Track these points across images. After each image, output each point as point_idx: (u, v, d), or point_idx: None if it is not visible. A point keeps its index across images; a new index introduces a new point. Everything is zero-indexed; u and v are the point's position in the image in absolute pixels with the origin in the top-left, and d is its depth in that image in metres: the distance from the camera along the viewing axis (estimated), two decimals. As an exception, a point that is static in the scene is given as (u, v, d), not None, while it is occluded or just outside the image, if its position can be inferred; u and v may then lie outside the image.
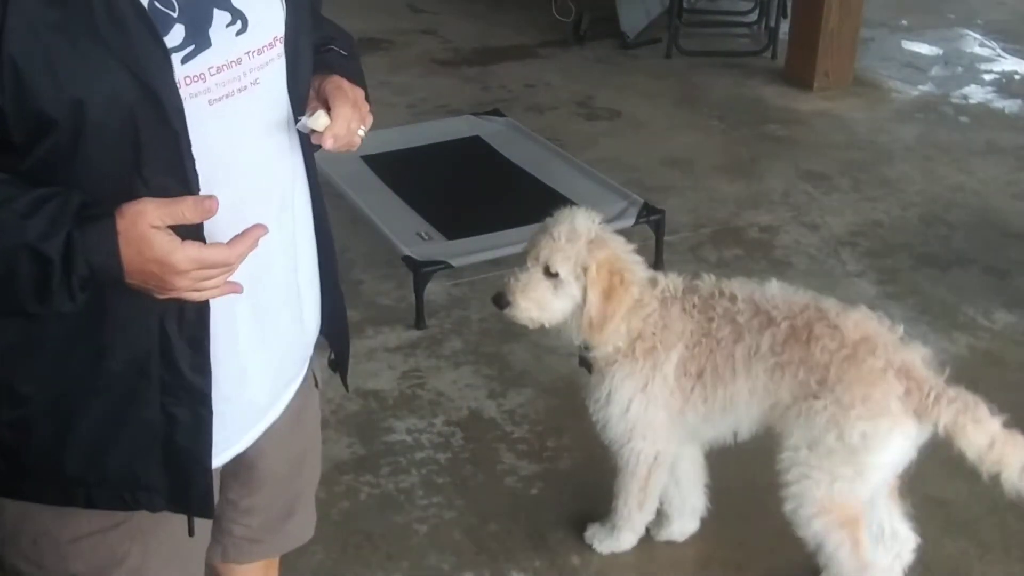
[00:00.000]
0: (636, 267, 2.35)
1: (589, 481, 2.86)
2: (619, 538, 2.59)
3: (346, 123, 1.38)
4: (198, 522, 1.50)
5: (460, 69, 5.79)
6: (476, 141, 4.47)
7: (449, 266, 3.55)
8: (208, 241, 1.26)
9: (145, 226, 1.18)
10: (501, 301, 2.29)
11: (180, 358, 1.32)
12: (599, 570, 2.61)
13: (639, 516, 2.54)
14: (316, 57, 1.45)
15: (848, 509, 2.28)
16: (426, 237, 3.68)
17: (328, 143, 1.37)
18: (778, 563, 2.62)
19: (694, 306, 2.34)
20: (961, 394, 2.20)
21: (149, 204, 1.18)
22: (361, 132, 1.42)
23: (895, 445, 2.22)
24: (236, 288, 1.28)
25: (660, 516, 2.62)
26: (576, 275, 2.27)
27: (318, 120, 1.36)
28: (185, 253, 1.20)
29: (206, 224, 1.25)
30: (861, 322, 2.28)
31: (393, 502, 2.80)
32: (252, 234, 1.25)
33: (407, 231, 3.69)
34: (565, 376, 3.28)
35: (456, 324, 3.57)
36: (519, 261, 2.33)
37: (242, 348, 1.42)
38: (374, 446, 3.00)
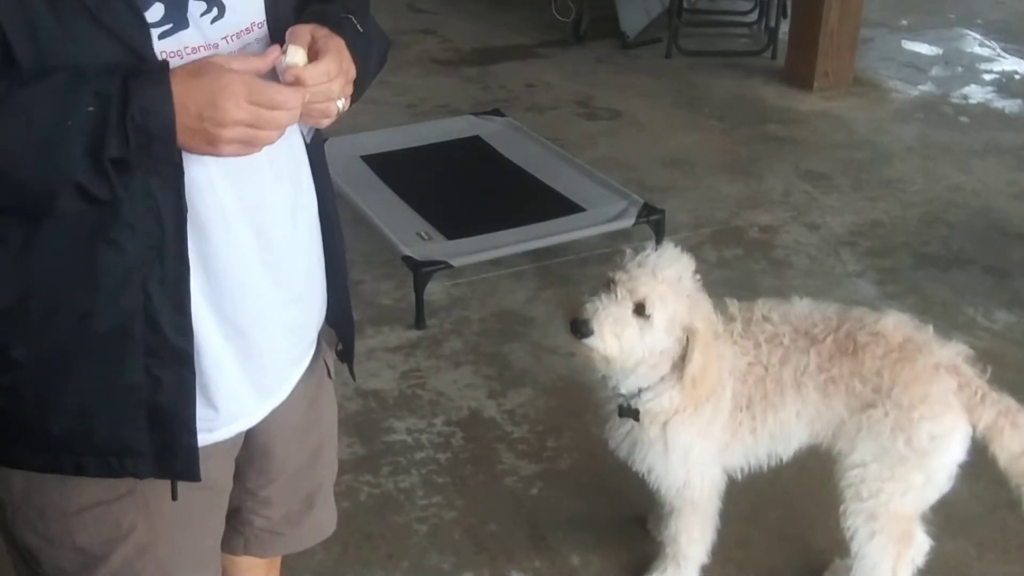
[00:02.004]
0: (716, 321, 2.25)
1: (589, 481, 2.86)
2: None
3: (324, 75, 1.31)
4: (208, 504, 1.52)
5: (460, 69, 5.79)
6: (476, 141, 4.47)
7: (449, 266, 3.55)
8: (200, 208, 1.33)
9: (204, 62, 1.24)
10: (582, 329, 2.07)
11: (163, 320, 1.33)
12: (599, 570, 2.61)
13: (701, 547, 2.45)
14: (331, 19, 1.41)
15: (909, 523, 2.28)
16: (426, 237, 3.68)
17: (288, 77, 1.29)
18: (778, 563, 2.62)
19: (739, 334, 2.27)
20: (1004, 397, 2.20)
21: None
22: (341, 104, 1.36)
23: (958, 442, 2.19)
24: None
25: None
26: (669, 325, 2.12)
27: (295, 54, 1.29)
28: (231, 67, 1.24)
29: (198, 193, 1.31)
30: (899, 325, 2.26)
31: (393, 502, 2.80)
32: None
33: (407, 231, 3.69)
34: (565, 376, 3.29)
35: (456, 324, 3.57)
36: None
37: (242, 320, 1.44)
38: (374, 446, 3.00)
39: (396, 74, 5.49)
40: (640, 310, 2.10)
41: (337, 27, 1.38)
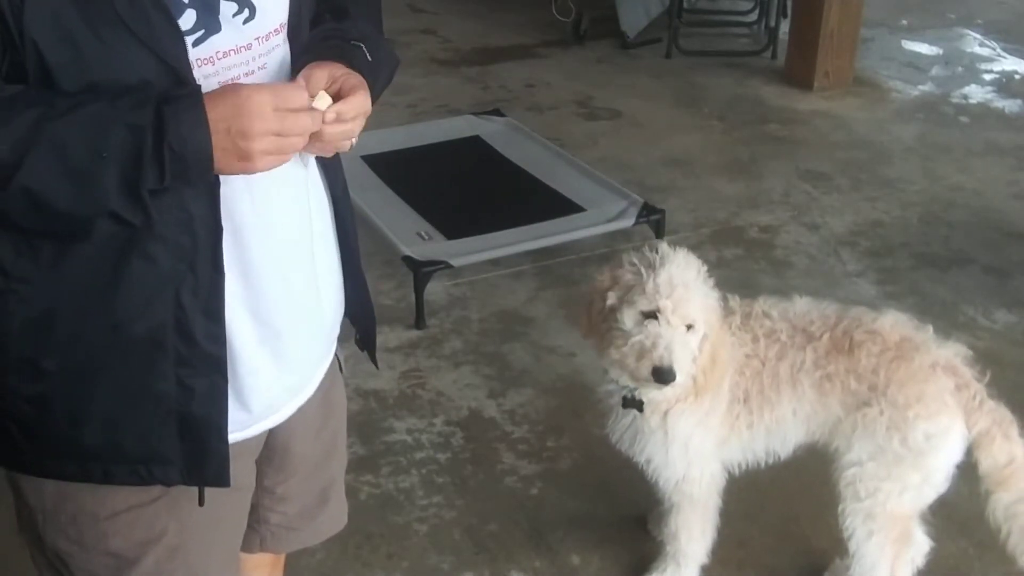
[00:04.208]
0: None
1: (589, 481, 2.86)
2: None
3: (350, 112, 1.34)
4: (234, 505, 1.52)
5: (460, 69, 5.79)
6: (476, 141, 4.48)
7: (449, 266, 3.55)
8: (236, 215, 1.34)
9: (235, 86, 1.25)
10: (668, 376, 2.08)
11: (196, 329, 1.33)
12: (599, 570, 2.61)
13: (700, 546, 2.46)
14: (342, 46, 1.43)
15: (907, 522, 2.28)
16: (426, 237, 3.69)
17: (330, 115, 1.31)
18: (778, 563, 2.62)
19: (738, 328, 2.28)
20: (1000, 407, 2.20)
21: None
22: (353, 141, 1.39)
23: (954, 441, 2.20)
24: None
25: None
26: (707, 326, 2.15)
27: (321, 100, 1.32)
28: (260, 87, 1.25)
29: (234, 200, 1.33)
30: (897, 324, 2.27)
31: (393, 502, 2.81)
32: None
33: (407, 231, 3.69)
34: (565, 376, 3.29)
35: (456, 324, 3.57)
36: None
37: (277, 321, 1.44)
38: (374, 446, 3.00)
39: (396, 74, 5.48)
40: (689, 328, 2.13)
41: (348, 58, 1.40)
